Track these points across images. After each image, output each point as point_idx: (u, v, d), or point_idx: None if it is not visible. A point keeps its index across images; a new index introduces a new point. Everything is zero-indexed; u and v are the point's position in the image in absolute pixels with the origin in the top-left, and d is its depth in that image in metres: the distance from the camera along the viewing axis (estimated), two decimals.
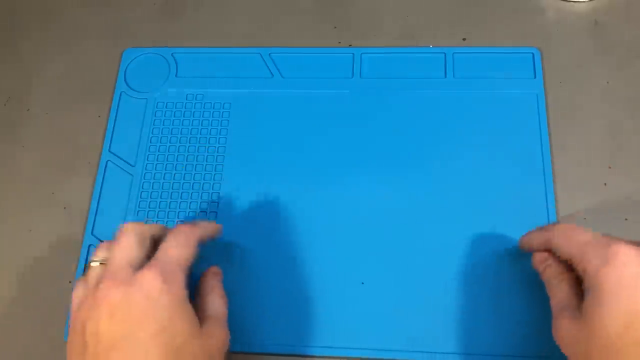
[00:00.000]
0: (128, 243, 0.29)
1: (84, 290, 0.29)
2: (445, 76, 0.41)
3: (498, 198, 0.36)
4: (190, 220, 0.38)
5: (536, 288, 0.34)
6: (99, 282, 0.28)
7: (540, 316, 0.33)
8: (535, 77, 0.40)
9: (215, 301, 0.31)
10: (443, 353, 0.33)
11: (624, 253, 0.25)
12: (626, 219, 0.36)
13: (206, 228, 0.32)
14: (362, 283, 0.35)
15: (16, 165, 0.41)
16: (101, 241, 0.37)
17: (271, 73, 0.42)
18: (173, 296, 0.27)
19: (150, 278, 0.27)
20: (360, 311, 0.34)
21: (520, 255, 0.35)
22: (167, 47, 0.44)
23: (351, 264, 0.35)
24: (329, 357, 0.34)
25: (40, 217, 0.39)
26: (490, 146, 0.38)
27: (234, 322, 0.35)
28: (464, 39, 0.42)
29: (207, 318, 0.30)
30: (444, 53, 0.41)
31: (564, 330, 0.27)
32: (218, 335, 0.29)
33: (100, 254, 0.30)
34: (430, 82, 0.40)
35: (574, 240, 0.28)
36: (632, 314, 0.24)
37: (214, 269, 0.34)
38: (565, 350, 0.27)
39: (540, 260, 0.31)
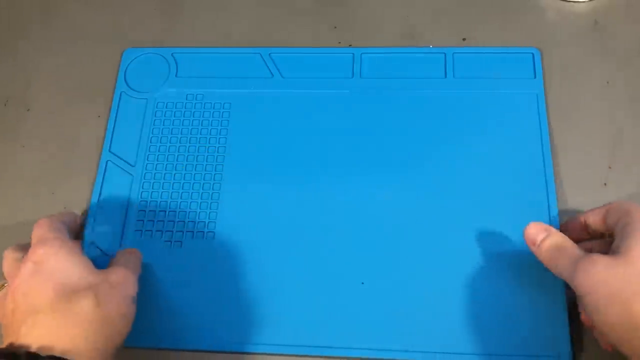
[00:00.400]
0: (7, 254, 0.32)
1: None
2: (445, 76, 0.41)
3: (499, 198, 0.36)
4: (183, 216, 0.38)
5: (537, 287, 0.34)
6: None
7: (543, 315, 0.33)
8: (535, 77, 0.40)
9: (126, 257, 0.34)
10: (443, 353, 0.33)
11: None
12: None
13: (62, 214, 0.35)
14: (362, 283, 0.35)
15: (16, 165, 0.41)
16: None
17: (271, 73, 0.42)
18: (58, 253, 0.30)
19: (32, 253, 0.30)
20: (360, 311, 0.34)
21: (520, 254, 0.35)
22: (167, 47, 0.44)
23: (351, 264, 0.35)
24: (329, 357, 0.34)
25: (40, 217, 0.39)
26: (491, 146, 0.38)
27: (232, 321, 0.35)
28: (463, 39, 0.42)
29: (112, 265, 0.32)
30: (444, 53, 0.41)
31: (602, 268, 0.27)
32: (119, 272, 0.31)
33: None
34: (430, 82, 0.40)
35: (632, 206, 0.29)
36: None
37: (131, 249, 0.36)
38: (597, 291, 0.27)
39: (539, 229, 0.31)
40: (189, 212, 0.38)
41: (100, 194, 0.39)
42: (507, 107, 0.39)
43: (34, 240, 0.31)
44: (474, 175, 0.37)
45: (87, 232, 0.38)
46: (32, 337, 0.27)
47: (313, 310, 0.35)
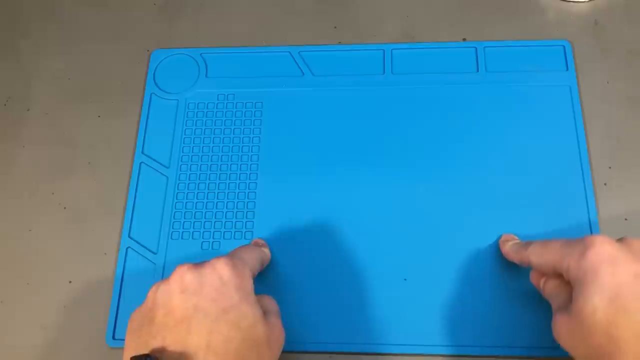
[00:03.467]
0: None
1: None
2: (477, 70, 0.41)
3: (536, 193, 0.36)
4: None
5: None
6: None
7: None
8: (567, 69, 0.40)
9: (269, 299, 0.32)
10: (490, 347, 0.33)
11: (598, 240, 0.27)
12: (626, 219, 0.36)
13: (265, 252, 0.35)
14: (405, 279, 0.35)
15: (16, 165, 0.41)
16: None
17: (302, 71, 0.42)
18: (241, 284, 0.29)
19: (222, 264, 0.29)
20: (403, 308, 0.34)
21: None
22: (195, 47, 0.44)
23: (392, 260, 0.36)
24: (375, 354, 0.34)
25: (40, 217, 0.39)
26: (525, 140, 0.38)
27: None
28: (463, 39, 0.42)
29: (266, 312, 0.30)
30: (475, 47, 0.41)
31: (559, 326, 0.27)
32: (278, 328, 0.30)
33: None
34: (462, 76, 0.40)
35: (548, 252, 0.29)
36: (614, 287, 0.25)
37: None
38: (565, 346, 0.27)
39: (537, 277, 0.32)
40: (226, 212, 0.38)
41: (135, 196, 0.39)
42: (541, 100, 0.39)
43: (235, 249, 0.31)
44: (510, 168, 0.37)
45: (123, 235, 0.38)
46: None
47: (355, 308, 0.35)
